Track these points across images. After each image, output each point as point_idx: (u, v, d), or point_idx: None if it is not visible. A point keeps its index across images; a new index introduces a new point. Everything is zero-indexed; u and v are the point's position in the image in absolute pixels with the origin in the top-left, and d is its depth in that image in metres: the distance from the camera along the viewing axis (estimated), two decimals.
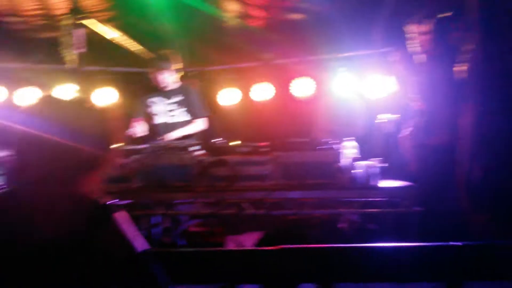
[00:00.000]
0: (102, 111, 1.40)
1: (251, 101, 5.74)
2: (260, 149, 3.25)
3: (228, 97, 5.89)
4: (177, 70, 4.25)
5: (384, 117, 3.83)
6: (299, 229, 3.46)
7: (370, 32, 3.97)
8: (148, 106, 4.26)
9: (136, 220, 3.55)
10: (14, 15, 4.84)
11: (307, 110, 5.11)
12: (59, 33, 3.62)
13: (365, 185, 3.09)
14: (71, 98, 1.40)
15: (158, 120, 4.24)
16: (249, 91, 5.72)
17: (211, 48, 5.77)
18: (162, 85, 4.18)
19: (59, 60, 3.47)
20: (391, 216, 3.15)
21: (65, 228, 1.24)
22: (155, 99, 4.26)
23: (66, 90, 5.22)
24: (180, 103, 4.26)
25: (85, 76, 5.63)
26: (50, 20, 4.86)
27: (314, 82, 5.45)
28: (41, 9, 4.73)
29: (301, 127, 4.86)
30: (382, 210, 3.08)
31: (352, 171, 3.12)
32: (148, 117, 4.28)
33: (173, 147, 3.27)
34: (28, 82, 5.73)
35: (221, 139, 3.46)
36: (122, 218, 1.33)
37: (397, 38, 3.71)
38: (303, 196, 3.09)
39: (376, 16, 3.84)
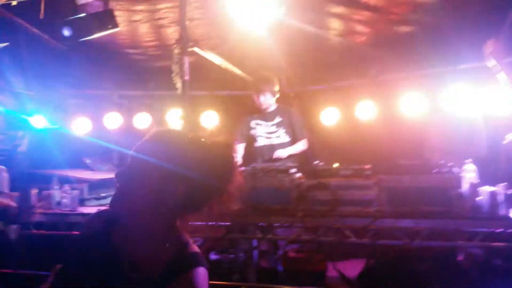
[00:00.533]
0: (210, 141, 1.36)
1: (355, 120, 5.55)
2: (364, 172, 3.12)
3: (329, 116, 5.77)
4: (278, 92, 4.27)
5: (509, 138, 3.36)
6: (408, 262, 3.16)
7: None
8: (250, 128, 4.35)
9: (235, 243, 3.62)
10: (134, 47, 5.37)
11: (417, 128, 4.74)
12: (171, 61, 3.85)
13: (489, 214, 2.74)
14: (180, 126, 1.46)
15: (259, 142, 4.30)
16: (352, 110, 5.55)
17: (312, 67, 5.73)
18: (263, 107, 4.25)
19: (171, 86, 3.69)
20: None
21: (148, 266, 1.25)
22: (257, 121, 4.34)
23: (177, 114, 5.60)
24: (280, 125, 4.29)
25: (192, 100, 6.10)
26: (163, 50, 5.29)
27: (425, 97, 5.05)
28: (156, 40, 5.18)
29: (410, 148, 4.52)
30: (510, 244, 2.69)
31: (474, 198, 2.77)
32: (249, 139, 4.37)
33: (272, 170, 3.25)
34: (145, 107, 6.27)
35: (321, 161, 3.38)
36: (200, 275, 1.27)
37: None
38: (414, 225, 2.86)
39: (495, 25, 3.42)
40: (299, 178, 3.23)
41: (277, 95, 4.27)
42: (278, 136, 4.26)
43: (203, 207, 1.32)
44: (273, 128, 4.28)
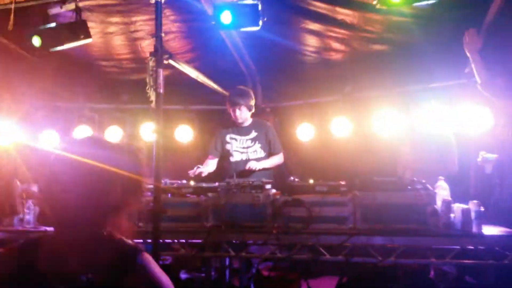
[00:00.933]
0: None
1: (329, 136, 5.61)
2: (339, 189, 3.11)
3: (305, 132, 5.82)
4: (253, 106, 4.26)
5: (482, 156, 3.43)
6: (382, 279, 3.14)
7: (463, 62, 3.65)
8: (225, 143, 4.33)
9: (206, 260, 3.53)
10: (108, 59, 5.29)
11: (391, 145, 4.80)
12: (145, 74, 3.80)
13: (462, 232, 2.76)
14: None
15: (234, 157, 4.27)
16: (327, 126, 5.61)
17: (288, 83, 5.78)
18: (238, 121, 4.24)
19: (145, 100, 3.64)
20: (492, 268, 2.82)
21: (92, 271, 1.28)
22: (232, 135, 4.32)
23: (149, 128, 5.53)
24: (256, 139, 4.27)
25: (166, 114, 6.04)
26: (137, 62, 5.24)
27: (398, 115, 5.14)
28: (130, 52, 5.12)
29: (384, 165, 4.57)
30: (482, 261, 2.73)
31: (447, 215, 2.80)
32: (224, 154, 4.34)
33: (247, 186, 3.21)
34: (116, 121, 6.16)
35: (297, 177, 3.36)
36: (149, 260, 1.35)
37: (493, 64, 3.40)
38: (388, 242, 2.84)
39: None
40: (274, 194, 3.19)
41: (253, 110, 4.26)
42: (254, 151, 4.24)
43: (125, 206, 1.38)
44: (249, 143, 4.27)
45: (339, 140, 5.53)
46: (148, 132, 5.90)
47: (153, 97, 3.12)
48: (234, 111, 4.17)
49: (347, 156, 5.28)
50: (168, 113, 6.00)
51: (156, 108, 2.97)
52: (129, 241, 1.39)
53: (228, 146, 4.30)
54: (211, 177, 4.09)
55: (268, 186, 3.27)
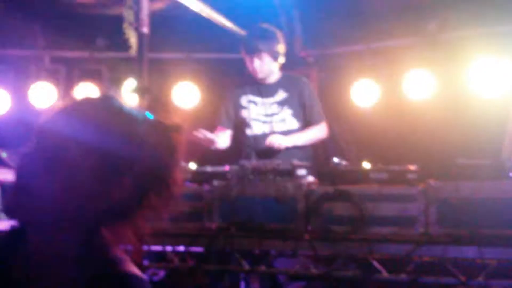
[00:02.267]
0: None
1: (400, 99, 5.58)
2: (406, 176, 3.13)
3: (364, 93, 5.80)
4: (283, 54, 4.28)
5: None
6: None
7: None
8: (240, 108, 4.39)
9: (211, 276, 3.66)
10: None
11: (495, 113, 4.73)
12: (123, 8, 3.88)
13: None
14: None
15: (253, 128, 4.34)
16: (399, 83, 5.58)
17: (340, 20, 5.74)
18: (259, 76, 4.26)
19: (125, 45, 3.72)
20: None
21: None
22: (250, 97, 4.37)
23: (132, 87, 5.67)
24: (286, 103, 4.30)
25: (156, 66, 6.13)
26: None
27: (508, 66, 5.04)
28: None
29: (481, 142, 4.52)
30: None
31: None
32: (239, 125, 4.41)
33: (270, 170, 3.27)
34: (90, 75, 6.31)
35: (344, 159, 3.38)
36: None
37: None
38: (475, 255, 2.86)
39: None
40: (309, 183, 3.24)
41: (282, 60, 4.28)
42: (282, 120, 4.28)
43: (138, 209, 1.33)
44: (275, 108, 4.30)
45: (415, 105, 5.49)
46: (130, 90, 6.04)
47: (133, 39, 3.19)
48: (251, 61, 4.20)
49: (425, 128, 5.24)
50: (161, 64, 6.15)
51: (138, 56, 3.06)
52: (129, 266, 1.30)
53: (244, 113, 4.36)
54: (220, 157, 4.17)
55: (300, 172, 3.30)
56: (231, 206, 3.24)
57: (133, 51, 3.38)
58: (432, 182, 3.00)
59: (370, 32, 5.74)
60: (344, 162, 3.33)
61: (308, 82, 4.45)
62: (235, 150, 4.38)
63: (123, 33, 3.50)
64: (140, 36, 3.14)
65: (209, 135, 4.07)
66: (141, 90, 2.98)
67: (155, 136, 1.33)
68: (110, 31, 5.89)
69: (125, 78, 6.20)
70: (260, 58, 4.17)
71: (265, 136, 4.23)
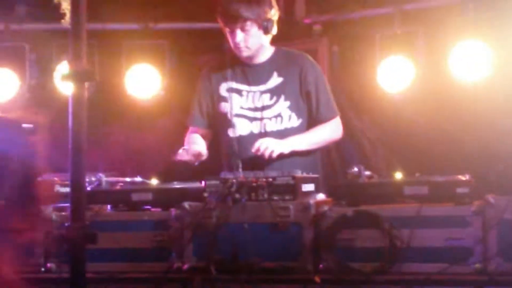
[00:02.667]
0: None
1: (444, 82, 5.62)
2: (455, 190, 3.14)
3: (392, 74, 5.83)
4: (273, 23, 4.28)
5: None
6: None
7: None
8: (219, 99, 4.41)
9: None
10: None
11: None
12: None
13: None
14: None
15: (237, 127, 4.35)
16: (441, 60, 5.64)
17: None
18: (243, 55, 4.29)
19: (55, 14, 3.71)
20: None
21: None
22: (231, 84, 4.38)
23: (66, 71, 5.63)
24: (281, 92, 4.32)
25: (103, 42, 6.11)
26: None
27: None
28: None
29: None
30: None
31: None
32: (218, 122, 4.43)
33: (263, 187, 3.27)
34: (6, 56, 6.29)
35: (368, 169, 3.40)
36: None
37: None
38: None
39: None
40: (319, 204, 3.25)
41: (275, 30, 4.30)
42: (277, 115, 4.30)
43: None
44: (266, 99, 4.33)
45: (467, 89, 5.55)
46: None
47: (66, 4, 3.17)
48: (233, 33, 4.22)
49: (480, 121, 5.25)
50: (108, 39, 6.12)
51: (73, 28, 3.03)
52: None
53: (223, 107, 4.39)
54: (190, 169, 4.16)
55: (306, 187, 3.33)
56: (209, 238, 3.24)
57: (66, 20, 3.35)
58: (491, 197, 3.02)
59: None
60: (367, 173, 3.35)
61: (313, 62, 4.44)
62: (212, 159, 4.36)
63: None
64: (76, 2, 3.10)
65: (193, 149, 4.09)
66: (79, 76, 2.95)
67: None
68: None
69: (57, 60, 6.17)
70: (244, 30, 4.18)
71: (253, 138, 4.24)
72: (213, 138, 4.47)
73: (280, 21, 4.32)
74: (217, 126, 4.44)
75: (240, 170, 3.54)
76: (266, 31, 4.23)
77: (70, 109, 2.76)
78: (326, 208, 3.21)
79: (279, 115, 4.29)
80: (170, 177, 3.82)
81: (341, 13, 6.12)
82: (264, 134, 4.24)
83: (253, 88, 4.34)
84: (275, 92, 4.30)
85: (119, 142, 6.10)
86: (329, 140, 4.39)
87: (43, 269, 3.47)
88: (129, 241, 3.37)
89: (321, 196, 3.40)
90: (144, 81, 6.22)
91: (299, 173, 3.35)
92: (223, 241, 3.23)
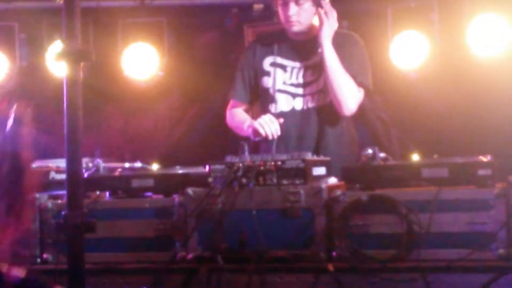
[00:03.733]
0: None
1: (463, 57, 5.63)
2: (476, 172, 3.13)
3: (405, 50, 5.84)
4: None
5: None
6: None
7: None
8: (261, 74, 4.48)
9: None
10: None
11: None
12: None
13: None
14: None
15: (278, 103, 4.42)
16: (459, 36, 5.65)
17: None
18: (294, 29, 4.34)
19: None
20: None
21: None
22: (276, 60, 4.45)
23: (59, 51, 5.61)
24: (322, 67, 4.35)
25: (96, 18, 6.09)
26: None
27: None
28: None
29: None
30: None
31: None
32: (261, 97, 4.52)
33: (271, 171, 3.28)
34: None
35: (383, 150, 3.40)
36: None
37: None
38: None
39: None
40: (332, 188, 3.25)
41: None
42: (319, 92, 4.36)
43: None
44: (308, 75, 4.40)
45: (483, 65, 5.54)
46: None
47: None
48: (286, 6, 4.26)
49: (500, 99, 5.24)
50: (103, 16, 6.11)
51: (66, 4, 3.02)
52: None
53: (266, 81, 4.45)
54: (196, 152, 4.17)
55: (318, 170, 3.33)
56: (215, 226, 3.24)
57: None
58: None
59: None
60: (382, 155, 3.34)
61: (362, 43, 4.52)
62: (218, 143, 4.38)
63: None
64: None
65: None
66: (74, 56, 2.93)
67: None
68: None
69: (49, 40, 6.16)
70: (298, 3, 4.24)
71: (295, 114, 4.37)
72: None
73: None
74: (258, 100, 4.55)
75: (247, 153, 3.52)
76: (318, 6, 4.27)
77: (64, 91, 2.75)
78: (339, 192, 3.20)
79: (321, 91, 4.35)
80: (172, 162, 3.81)
81: None
82: (306, 111, 4.35)
83: (297, 64, 4.41)
84: (317, 68, 4.36)
85: (116, 126, 6.11)
86: (344, 87, 4.28)
87: (39, 260, 3.49)
88: (129, 229, 3.38)
89: (333, 180, 3.39)
90: (141, 61, 6.20)
91: (309, 156, 3.35)
92: (229, 229, 3.24)
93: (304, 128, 4.34)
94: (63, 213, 2.69)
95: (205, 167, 3.43)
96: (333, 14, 4.24)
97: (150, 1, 6.23)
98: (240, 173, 3.27)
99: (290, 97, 4.40)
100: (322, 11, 4.20)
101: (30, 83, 6.21)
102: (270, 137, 4.09)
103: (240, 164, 3.29)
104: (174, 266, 3.27)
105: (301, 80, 4.40)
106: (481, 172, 3.12)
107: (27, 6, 6.19)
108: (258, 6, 5.67)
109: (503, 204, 3.00)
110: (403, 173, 3.26)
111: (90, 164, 3.64)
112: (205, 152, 4.29)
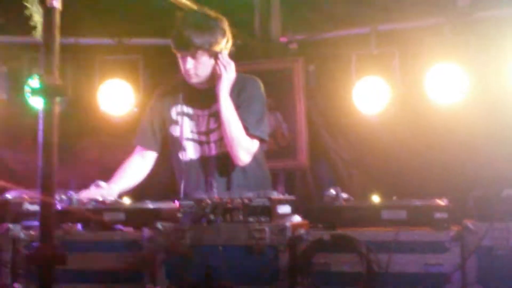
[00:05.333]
0: None
1: (420, 103, 5.67)
2: (431, 215, 3.13)
3: (369, 95, 5.86)
4: (223, 48, 4.27)
5: None
6: None
7: None
8: (170, 123, 4.45)
9: None
10: None
11: None
12: None
13: None
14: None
15: (188, 152, 4.40)
16: (417, 82, 5.68)
17: None
18: (192, 81, 4.31)
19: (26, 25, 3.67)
20: None
21: None
22: (183, 108, 4.42)
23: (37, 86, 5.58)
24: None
25: (76, 57, 6.07)
26: None
27: None
28: None
29: None
30: None
31: None
32: (169, 146, 4.47)
33: (238, 207, 3.25)
34: None
35: (344, 190, 3.39)
36: None
37: None
38: None
39: None
40: (296, 226, 3.23)
41: (222, 56, 4.28)
42: (221, 139, 4.32)
43: None
44: (212, 123, 4.38)
45: (442, 111, 5.57)
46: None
47: (37, 17, 3.12)
48: (183, 59, 4.23)
49: (457, 143, 5.26)
50: (81, 53, 6.08)
51: (45, 41, 2.98)
52: None
53: (174, 130, 4.42)
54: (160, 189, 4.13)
55: (283, 209, 3.31)
56: (183, 260, 3.20)
57: (38, 33, 3.31)
58: (470, 223, 3.01)
59: (377, 10, 5.77)
60: (344, 195, 3.33)
61: (257, 82, 4.45)
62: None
63: (24, 8, 3.43)
64: (48, 12, 3.04)
65: (100, 191, 4.07)
66: (50, 91, 2.89)
67: None
68: (5, 4, 5.82)
69: (28, 74, 6.11)
70: (194, 57, 4.21)
71: (204, 161, 4.36)
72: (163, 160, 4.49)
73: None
74: (168, 148, 4.47)
75: (215, 190, 3.50)
76: (213, 57, 4.24)
77: (40, 125, 2.71)
78: (302, 231, 3.18)
79: (222, 138, 4.32)
80: (143, 196, 3.77)
81: (317, 32, 6.13)
82: (211, 158, 4.33)
83: (201, 111, 4.40)
84: (218, 116, 4.30)
85: (92, 159, 6.07)
86: (247, 155, 4.29)
87: None
88: (100, 262, 3.31)
89: (297, 219, 3.38)
90: (117, 97, 6.18)
91: (275, 195, 3.31)
92: (197, 264, 3.19)
93: (211, 174, 4.30)
94: (34, 244, 2.63)
95: (174, 203, 3.39)
96: (231, 66, 4.21)
97: (127, 40, 6.22)
98: (208, 209, 3.23)
99: (197, 145, 4.38)
100: (220, 64, 4.17)
101: (9, 116, 6.15)
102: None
103: (209, 201, 3.24)
104: None
105: (205, 128, 4.38)
106: (438, 215, 3.12)
107: (8, 41, 6.14)
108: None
109: (458, 246, 3.00)
110: (364, 214, 3.23)
111: (63, 196, 3.58)
112: (173, 187, 4.27)
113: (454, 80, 5.56)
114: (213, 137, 4.35)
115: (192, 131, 4.39)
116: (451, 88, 5.56)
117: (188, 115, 4.40)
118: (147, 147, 4.47)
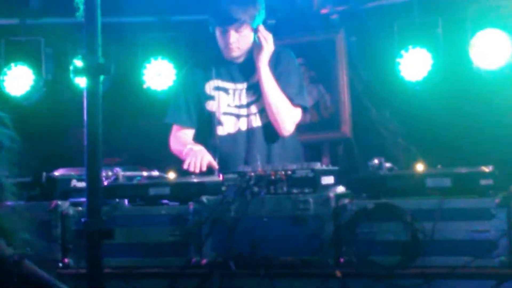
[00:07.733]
0: None
1: (466, 70, 5.57)
2: (478, 181, 3.11)
3: (412, 63, 5.71)
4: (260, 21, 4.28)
5: None
6: None
7: None
8: (205, 98, 4.45)
9: None
10: None
11: None
12: None
13: None
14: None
15: (225, 126, 4.41)
16: (461, 50, 5.57)
17: None
18: (234, 54, 4.33)
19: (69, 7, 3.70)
20: None
21: None
22: (217, 84, 4.42)
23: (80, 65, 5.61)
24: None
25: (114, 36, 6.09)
26: None
27: None
28: None
29: None
30: None
31: None
32: (203, 122, 4.47)
33: (282, 179, 3.26)
34: (22, 52, 6.27)
35: (388, 160, 3.37)
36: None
37: None
38: None
39: None
40: (340, 197, 3.23)
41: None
42: (262, 110, 4.32)
43: None
44: (251, 96, 4.38)
45: (485, 78, 5.50)
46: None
47: None
48: (226, 33, 4.24)
49: (502, 111, 5.20)
50: (124, 33, 6.10)
51: (87, 21, 3.02)
52: None
53: (210, 105, 4.42)
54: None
55: (327, 180, 3.31)
56: (228, 233, 3.22)
57: (81, 14, 3.32)
58: None
59: None
60: (388, 165, 3.32)
61: (290, 53, 4.48)
62: None
63: None
64: None
65: (204, 160, 4.07)
66: (93, 70, 2.92)
67: None
68: None
69: (73, 54, 6.16)
70: (238, 31, 4.22)
71: (241, 135, 4.37)
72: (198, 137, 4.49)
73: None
74: (203, 124, 4.48)
75: (259, 163, 3.51)
76: (257, 31, 4.27)
77: (84, 104, 2.74)
78: (346, 201, 3.19)
79: (263, 109, 4.33)
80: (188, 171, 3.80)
81: (358, 4, 6.08)
82: (251, 130, 4.34)
83: (238, 85, 4.40)
84: (257, 88, 4.33)
85: (136, 137, 6.12)
86: (291, 122, 4.35)
87: (60, 264, 3.48)
88: (146, 236, 3.36)
89: (341, 189, 3.38)
90: (161, 75, 6.18)
91: (318, 166, 3.31)
92: (241, 236, 3.21)
93: (251, 147, 4.31)
94: (83, 220, 2.67)
95: (219, 176, 3.42)
96: (270, 38, 4.22)
97: (169, 17, 6.23)
98: (252, 182, 3.26)
99: (235, 119, 4.38)
100: (261, 36, 4.18)
101: (55, 96, 6.22)
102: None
103: (252, 174, 3.27)
104: (188, 271, 3.25)
105: (244, 101, 4.38)
106: (483, 182, 3.10)
107: (53, 22, 6.19)
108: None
109: (504, 213, 2.97)
110: (408, 183, 3.24)
111: (110, 173, 3.62)
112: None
113: (499, 46, 5.47)
114: (253, 109, 4.36)
115: (229, 105, 4.39)
116: (496, 54, 5.48)
117: (224, 89, 4.41)
118: (184, 125, 4.47)
